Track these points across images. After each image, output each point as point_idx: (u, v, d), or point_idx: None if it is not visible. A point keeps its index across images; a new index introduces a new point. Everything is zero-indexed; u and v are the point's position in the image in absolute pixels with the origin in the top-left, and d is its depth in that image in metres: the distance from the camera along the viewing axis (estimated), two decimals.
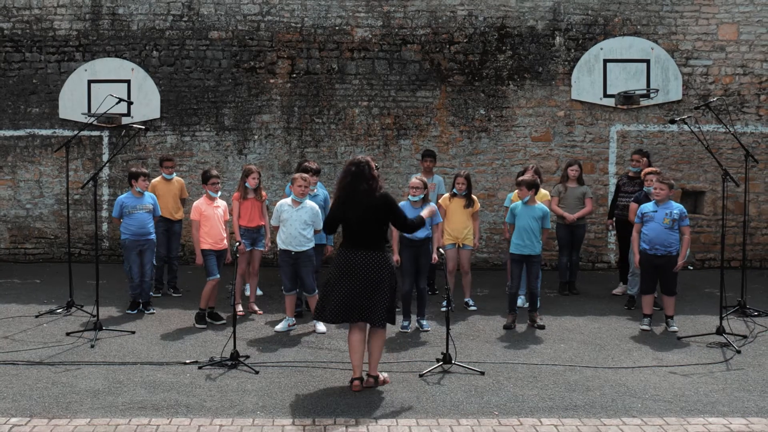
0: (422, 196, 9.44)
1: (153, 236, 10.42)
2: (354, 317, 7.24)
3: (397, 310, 7.64)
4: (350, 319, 7.26)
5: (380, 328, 7.33)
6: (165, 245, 11.25)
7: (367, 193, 7.24)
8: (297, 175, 9.59)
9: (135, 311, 10.23)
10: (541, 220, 9.70)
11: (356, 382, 7.26)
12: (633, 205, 10.44)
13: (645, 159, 11.40)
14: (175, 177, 11.70)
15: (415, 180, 9.56)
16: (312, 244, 9.51)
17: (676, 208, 9.43)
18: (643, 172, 10.69)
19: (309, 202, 9.53)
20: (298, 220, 9.35)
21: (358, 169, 7.28)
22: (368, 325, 7.35)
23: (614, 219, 11.54)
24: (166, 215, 11.16)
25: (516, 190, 10.92)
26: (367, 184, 7.26)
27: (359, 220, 7.22)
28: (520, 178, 9.98)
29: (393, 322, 7.51)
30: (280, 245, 9.44)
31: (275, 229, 9.72)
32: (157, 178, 11.45)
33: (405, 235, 9.20)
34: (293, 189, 9.47)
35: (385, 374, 7.48)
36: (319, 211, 9.61)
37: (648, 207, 9.55)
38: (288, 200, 9.52)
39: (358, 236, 7.25)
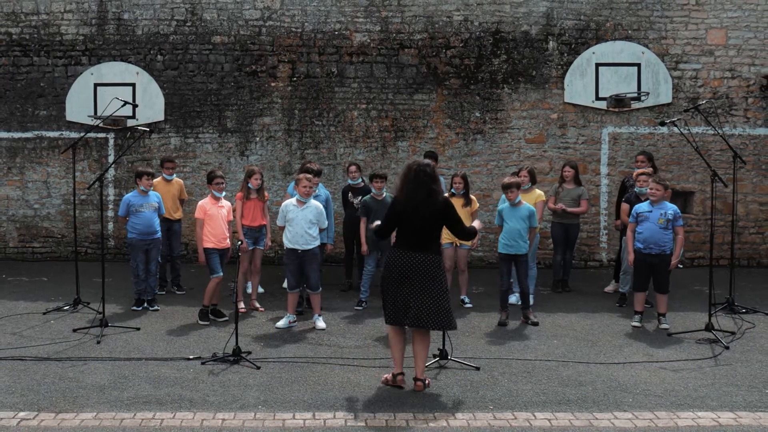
0: None
1: (159, 235, 10.51)
2: (404, 321, 7.22)
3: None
4: (400, 322, 7.25)
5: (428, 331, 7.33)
6: (166, 244, 11.31)
7: (433, 195, 7.22)
8: (301, 175, 9.64)
9: (140, 308, 10.32)
10: (528, 220, 9.81)
11: (400, 377, 7.26)
12: (624, 206, 10.58)
13: (649, 161, 11.37)
14: (175, 178, 11.79)
15: (438, 181, 9.64)
16: (317, 243, 9.58)
17: (671, 208, 9.51)
18: (635, 174, 10.81)
19: (314, 202, 9.63)
20: (303, 219, 9.45)
21: (421, 169, 7.25)
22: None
23: (620, 220, 11.39)
24: (166, 215, 11.23)
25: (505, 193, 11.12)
26: (433, 186, 7.24)
27: (423, 221, 7.20)
28: (507, 181, 10.01)
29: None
30: (287, 244, 9.51)
31: (280, 229, 9.79)
32: (158, 179, 11.48)
33: None
34: (298, 189, 9.54)
35: (429, 380, 7.43)
36: (324, 210, 9.75)
37: (643, 207, 9.62)
38: (293, 200, 9.61)
39: (417, 238, 7.23)
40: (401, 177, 7.43)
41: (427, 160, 7.51)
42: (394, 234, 7.51)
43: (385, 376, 7.44)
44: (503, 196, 11.37)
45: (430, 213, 7.18)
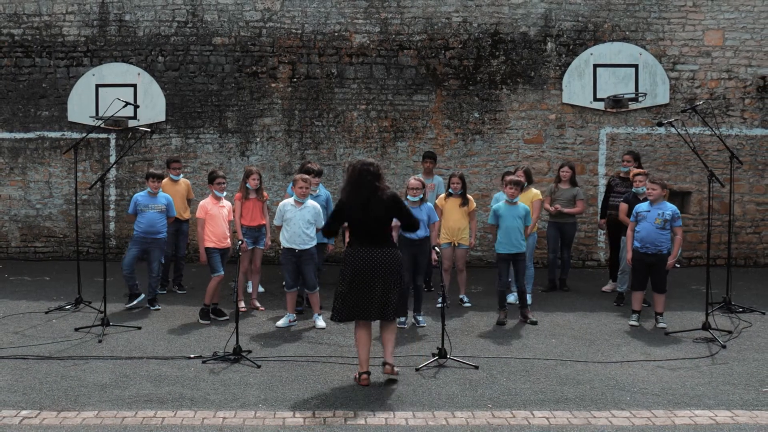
0: (421, 196, 9.57)
1: (162, 235, 10.56)
2: (372, 315, 7.39)
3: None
4: (371, 317, 7.40)
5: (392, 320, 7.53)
6: (173, 244, 11.38)
7: (377, 193, 7.34)
8: (298, 176, 9.71)
9: (135, 302, 10.34)
10: (524, 219, 9.86)
11: (365, 376, 7.35)
12: (623, 205, 10.61)
13: (636, 161, 11.51)
14: (182, 178, 11.86)
15: (413, 181, 9.64)
16: (314, 243, 9.64)
17: (669, 208, 9.54)
18: (631, 174, 10.87)
19: (311, 202, 9.68)
20: (301, 219, 9.50)
21: (365, 168, 7.39)
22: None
23: (606, 219, 11.57)
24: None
25: (504, 189, 11.17)
26: (377, 183, 7.37)
27: (373, 219, 7.34)
28: (510, 178, 10.08)
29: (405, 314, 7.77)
30: (284, 243, 9.56)
31: (278, 229, 9.84)
32: (164, 180, 11.50)
33: (404, 234, 9.32)
34: (294, 190, 9.60)
35: (397, 368, 7.54)
36: (321, 210, 9.79)
37: (642, 207, 9.67)
38: (291, 200, 9.65)
39: (372, 235, 7.37)
40: (346, 177, 7.61)
41: (370, 159, 7.65)
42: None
43: (354, 374, 7.55)
44: (496, 196, 11.44)
45: (378, 210, 7.32)
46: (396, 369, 7.50)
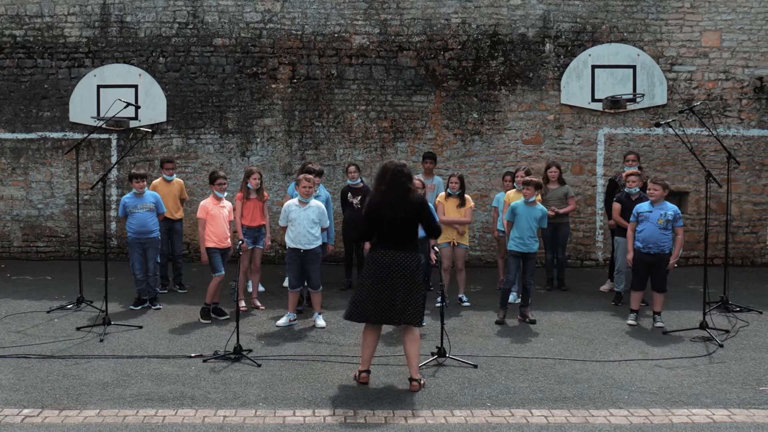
0: None
1: (155, 234, 10.60)
2: (394, 320, 7.34)
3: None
4: (391, 321, 7.37)
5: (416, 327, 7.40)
6: (167, 243, 11.42)
7: (408, 195, 7.34)
8: (301, 176, 9.71)
9: (139, 307, 10.39)
10: (539, 221, 9.92)
11: (364, 375, 7.37)
12: (616, 205, 10.67)
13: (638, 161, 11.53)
14: (175, 178, 11.85)
15: (414, 181, 9.74)
16: (319, 242, 9.65)
17: (671, 209, 9.58)
18: (624, 174, 10.93)
19: (315, 202, 9.70)
20: (306, 219, 9.52)
21: (398, 169, 7.38)
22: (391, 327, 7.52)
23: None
24: (167, 215, 11.28)
25: (509, 191, 11.21)
26: (409, 185, 7.38)
27: (401, 220, 7.30)
28: (525, 178, 10.15)
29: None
30: (289, 244, 9.57)
31: (282, 230, 9.88)
32: (158, 179, 11.63)
33: None
34: (299, 190, 9.62)
35: (424, 379, 7.45)
36: (325, 209, 9.83)
37: (644, 207, 9.70)
38: (295, 201, 9.68)
39: (398, 236, 7.34)
40: (377, 177, 7.53)
41: (403, 161, 7.65)
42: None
43: (354, 372, 7.56)
44: (497, 196, 11.48)
45: (407, 211, 7.29)
46: (423, 381, 7.38)
